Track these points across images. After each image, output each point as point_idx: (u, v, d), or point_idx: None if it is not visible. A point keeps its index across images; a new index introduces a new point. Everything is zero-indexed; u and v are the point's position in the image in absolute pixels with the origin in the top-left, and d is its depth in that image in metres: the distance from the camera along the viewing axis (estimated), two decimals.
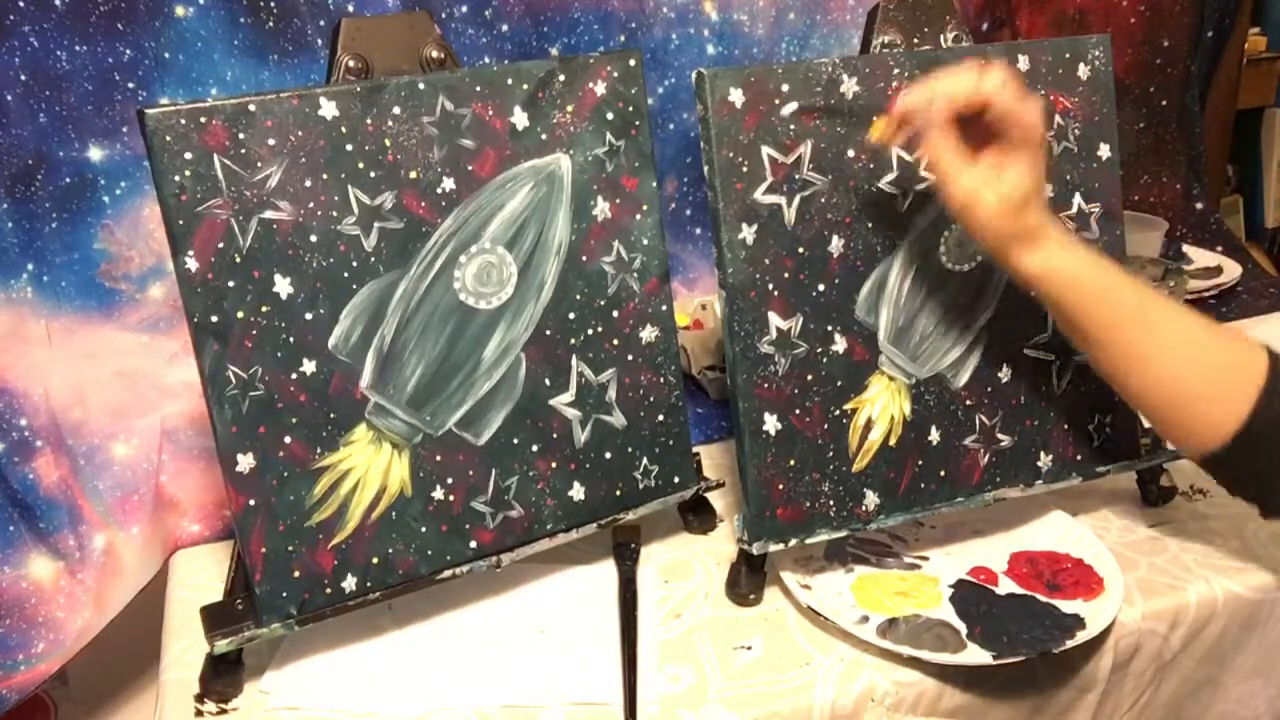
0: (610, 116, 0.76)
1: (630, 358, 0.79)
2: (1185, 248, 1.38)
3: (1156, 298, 0.70)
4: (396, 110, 0.69)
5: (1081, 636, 0.72)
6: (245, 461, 0.67)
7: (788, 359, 0.75)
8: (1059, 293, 0.69)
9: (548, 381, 0.76)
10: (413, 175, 0.70)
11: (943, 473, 0.80)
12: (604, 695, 0.70)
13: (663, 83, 1.08)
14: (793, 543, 0.77)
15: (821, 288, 0.76)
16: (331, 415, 0.69)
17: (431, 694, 0.70)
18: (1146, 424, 0.88)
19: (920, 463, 0.79)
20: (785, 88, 0.73)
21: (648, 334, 0.79)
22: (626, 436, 0.79)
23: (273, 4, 0.87)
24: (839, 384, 0.77)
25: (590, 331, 0.77)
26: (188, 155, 0.63)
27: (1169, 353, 0.69)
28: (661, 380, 0.80)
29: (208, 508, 0.90)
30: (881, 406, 0.78)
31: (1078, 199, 0.82)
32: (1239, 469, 0.70)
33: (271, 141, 0.65)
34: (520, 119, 0.73)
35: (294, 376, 0.68)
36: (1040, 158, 0.67)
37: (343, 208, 0.68)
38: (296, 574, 0.69)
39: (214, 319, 0.65)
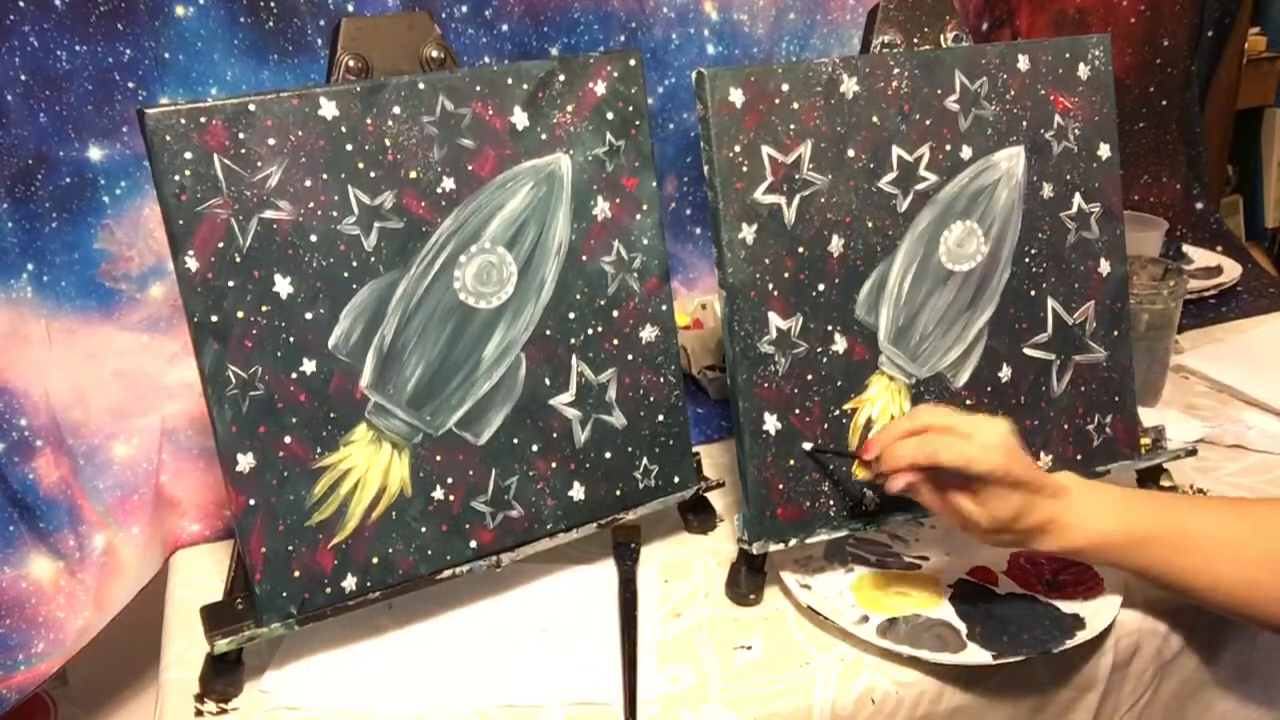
0: (610, 116, 0.76)
1: (630, 357, 0.79)
2: (1185, 248, 1.38)
3: (1188, 512, 0.70)
4: (396, 110, 0.69)
5: (1081, 636, 0.72)
6: (245, 461, 0.67)
7: (788, 359, 0.75)
8: (1091, 560, 0.70)
9: (548, 381, 0.76)
10: (413, 175, 0.70)
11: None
12: (604, 695, 0.70)
13: (663, 83, 1.08)
14: (793, 543, 0.77)
15: (821, 288, 0.76)
16: (331, 415, 0.69)
17: (431, 694, 0.70)
18: (1146, 423, 0.88)
19: None
20: (785, 88, 0.73)
21: (648, 334, 0.79)
22: (626, 436, 0.79)
23: (273, 4, 0.87)
24: (839, 384, 0.77)
25: (590, 331, 0.77)
26: (188, 155, 0.63)
27: (1217, 561, 0.68)
28: (661, 380, 0.80)
29: (208, 508, 0.90)
30: (881, 406, 0.78)
31: (1078, 199, 0.82)
32: None
33: (271, 141, 0.65)
34: (520, 119, 0.73)
35: (294, 376, 0.68)
36: (1016, 481, 0.67)
37: (343, 207, 0.68)
38: (296, 574, 0.69)
39: (214, 319, 0.65)
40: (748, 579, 0.78)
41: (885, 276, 0.78)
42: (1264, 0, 1.82)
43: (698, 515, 0.88)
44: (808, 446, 0.76)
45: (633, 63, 0.77)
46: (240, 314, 0.66)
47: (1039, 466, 0.69)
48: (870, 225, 0.77)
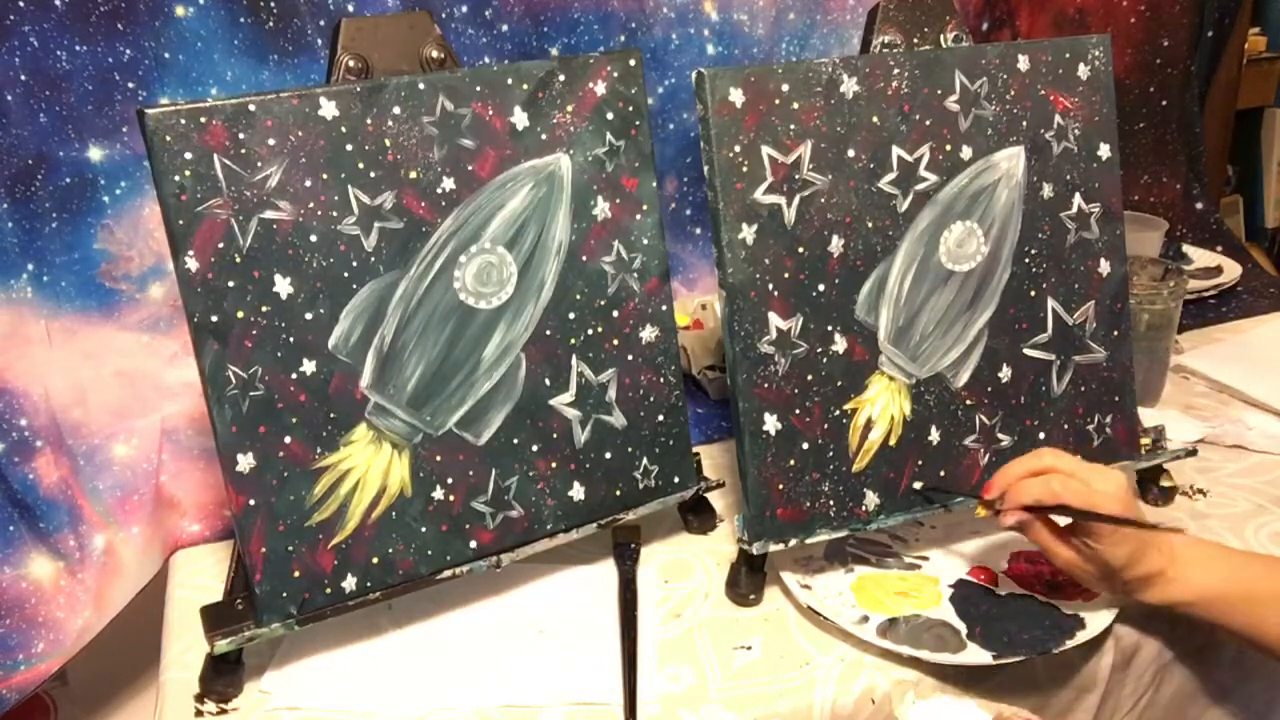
0: (610, 116, 0.76)
1: (630, 358, 0.79)
2: (1185, 248, 1.38)
3: None
4: (396, 110, 0.69)
5: (1081, 636, 0.72)
6: (245, 461, 0.67)
7: (788, 359, 0.75)
8: (1195, 617, 0.70)
9: (548, 381, 0.76)
10: (413, 175, 0.70)
11: (943, 473, 0.80)
12: (604, 695, 0.70)
13: (663, 83, 1.08)
14: (793, 543, 0.77)
15: (821, 288, 0.76)
16: (331, 415, 0.69)
17: (431, 694, 0.70)
18: (1146, 423, 0.88)
19: (920, 463, 0.79)
20: (785, 88, 0.73)
21: (648, 334, 0.79)
22: (626, 436, 0.79)
23: (273, 4, 0.87)
24: (839, 384, 0.77)
25: (590, 331, 0.77)
26: (188, 155, 0.63)
27: None
28: (661, 380, 0.80)
29: (208, 508, 0.90)
30: (881, 406, 0.78)
31: (1078, 199, 0.82)
32: None
33: (271, 141, 0.65)
34: (520, 119, 0.73)
35: (294, 376, 0.68)
36: (1129, 533, 0.68)
37: (343, 208, 0.68)
38: (296, 574, 0.69)
39: (214, 319, 0.65)
40: (748, 579, 0.78)
41: (885, 277, 0.78)
42: (1264, 0, 1.82)
43: (698, 515, 0.88)
44: (918, 486, 0.78)
45: (633, 63, 0.77)
46: (240, 314, 0.66)
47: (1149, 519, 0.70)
48: (870, 225, 0.77)
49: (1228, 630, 0.70)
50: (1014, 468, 0.72)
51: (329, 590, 0.70)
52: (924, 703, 0.70)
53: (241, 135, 0.64)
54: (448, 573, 0.74)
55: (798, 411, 0.76)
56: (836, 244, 0.76)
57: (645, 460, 0.80)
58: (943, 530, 0.86)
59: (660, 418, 0.80)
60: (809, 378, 0.76)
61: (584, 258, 0.76)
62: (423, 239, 0.71)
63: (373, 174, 0.68)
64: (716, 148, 0.72)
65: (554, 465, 0.77)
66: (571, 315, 0.76)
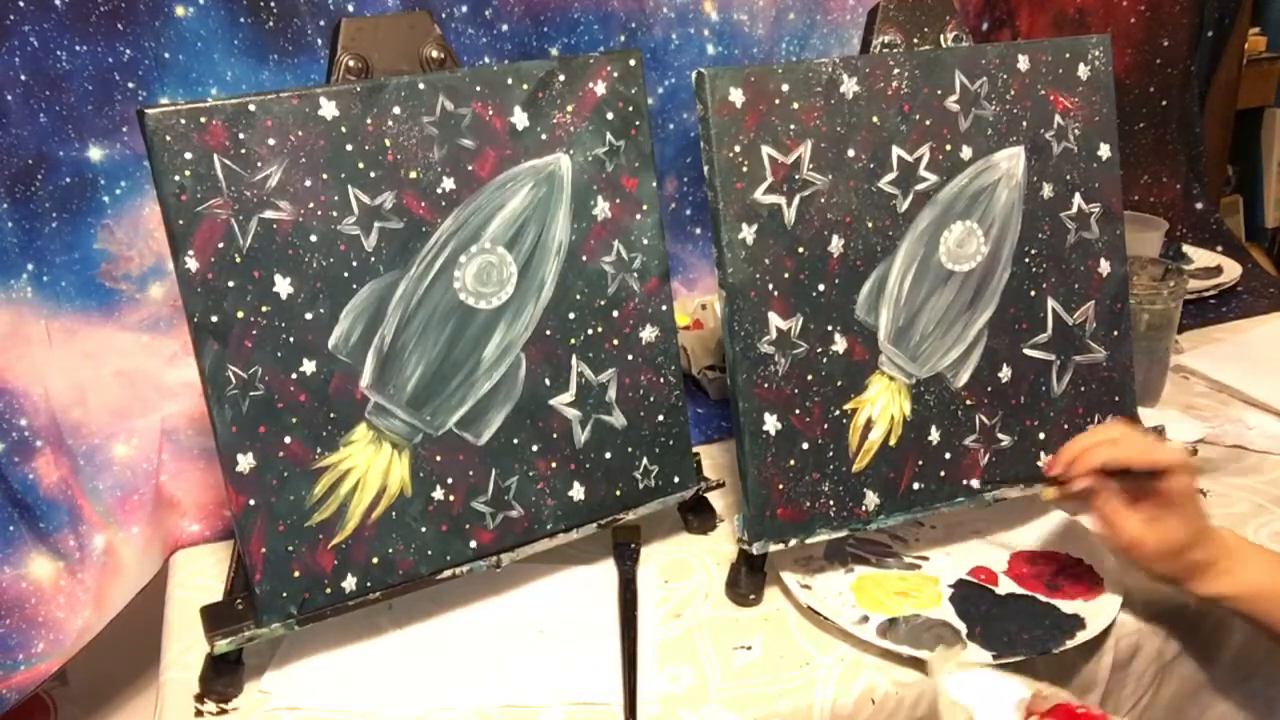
0: (610, 116, 0.76)
1: (630, 358, 0.79)
2: (1185, 248, 1.38)
3: None
4: (396, 110, 0.69)
5: (1081, 636, 0.72)
6: (245, 461, 0.67)
7: (788, 359, 0.75)
8: (1240, 613, 0.71)
9: (548, 381, 0.76)
10: (413, 175, 0.70)
11: (943, 473, 0.80)
12: (604, 695, 0.70)
13: (663, 83, 1.08)
14: (793, 543, 0.77)
15: (821, 288, 0.76)
16: (331, 415, 0.69)
17: (431, 694, 0.70)
18: (1146, 423, 0.88)
19: (920, 463, 0.79)
20: (785, 88, 0.73)
21: (648, 334, 0.79)
22: (626, 436, 0.79)
23: (273, 4, 0.87)
24: (839, 384, 0.77)
25: (590, 331, 0.77)
26: (188, 155, 0.63)
27: None
28: (661, 380, 0.80)
29: (208, 508, 0.90)
30: (881, 406, 0.78)
31: (1078, 199, 0.82)
32: None
33: (271, 141, 0.65)
34: (520, 119, 0.73)
35: (294, 376, 0.68)
36: (1194, 509, 0.69)
37: (343, 208, 0.68)
38: (296, 574, 0.69)
39: (214, 319, 0.65)
40: (748, 579, 0.78)
41: (885, 276, 0.78)
42: (1264, 0, 1.82)
43: (698, 515, 0.88)
44: (976, 484, 0.80)
45: (633, 63, 0.77)
46: (240, 314, 0.66)
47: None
48: (870, 225, 0.77)
49: (1270, 629, 0.70)
50: (1081, 439, 0.73)
51: (329, 590, 0.70)
52: (963, 672, 0.68)
53: (241, 135, 0.64)
54: (448, 573, 0.74)
55: (798, 411, 0.76)
56: (836, 244, 0.76)
57: (645, 460, 0.80)
58: (943, 530, 0.86)
59: (660, 418, 0.80)
60: (809, 378, 0.76)
61: (584, 258, 0.76)
62: (423, 239, 0.71)
63: (373, 174, 0.68)
64: (716, 148, 0.72)
65: (554, 465, 0.77)
66: (571, 315, 0.76)
